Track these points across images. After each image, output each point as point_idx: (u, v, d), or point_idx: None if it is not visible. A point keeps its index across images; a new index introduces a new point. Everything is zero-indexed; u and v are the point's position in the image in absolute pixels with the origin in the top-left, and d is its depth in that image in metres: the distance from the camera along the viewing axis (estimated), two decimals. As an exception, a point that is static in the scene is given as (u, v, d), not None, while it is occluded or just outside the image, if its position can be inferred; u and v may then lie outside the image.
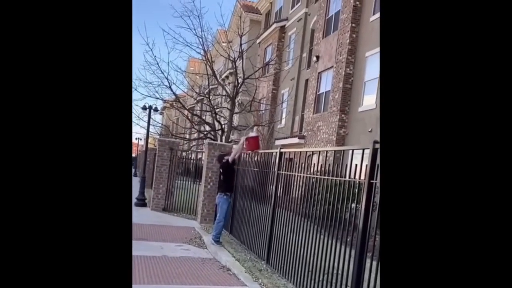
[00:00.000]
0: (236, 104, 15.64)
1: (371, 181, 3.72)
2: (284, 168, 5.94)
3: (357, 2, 14.19)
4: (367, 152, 3.81)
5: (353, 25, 14.22)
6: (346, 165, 4.27)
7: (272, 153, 6.64)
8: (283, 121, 20.66)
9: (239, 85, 14.83)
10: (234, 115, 15.61)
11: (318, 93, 16.42)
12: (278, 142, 18.33)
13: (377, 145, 3.71)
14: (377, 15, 13.08)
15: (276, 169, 6.12)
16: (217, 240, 7.29)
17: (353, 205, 4.09)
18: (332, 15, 15.98)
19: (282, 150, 6.20)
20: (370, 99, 13.12)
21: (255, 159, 7.36)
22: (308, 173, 5.18)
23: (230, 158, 7.71)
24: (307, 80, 18.43)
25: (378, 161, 3.71)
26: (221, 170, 7.85)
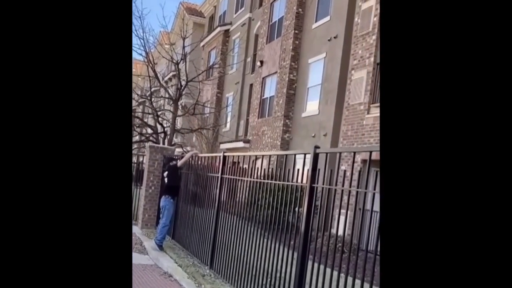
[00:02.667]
0: (179, 106, 15.45)
1: (313, 185, 3.82)
2: (228, 172, 5.94)
3: (300, 9, 14.54)
4: (309, 157, 3.91)
5: (296, 31, 14.55)
6: (289, 170, 4.35)
7: (216, 157, 6.63)
8: (228, 125, 20.68)
9: (182, 87, 14.67)
10: (177, 118, 15.40)
11: (262, 97, 16.60)
12: (223, 146, 18.30)
13: (318, 150, 3.82)
14: (319, 22, 13.48)
15: (220, 173, 6.11)
16: (160, 245, 7.14)
17: (296, 208, 4.19)
18: (276, 21, 16.26)
19: (226, 154, 6.20)
20: (313, 105, 13.47)
21: (199, 163, 7.31)
22: (252, 177, 5.22)
23: (179, 163, 7.69)
24: (251, 85, 18.58)
25: (318, 166, 3.82)
26: (167, 172, 7.76)
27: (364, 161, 9.92)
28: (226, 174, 5.93)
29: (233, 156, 6.31)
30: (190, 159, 7.69)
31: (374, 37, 10.46)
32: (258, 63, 16.97)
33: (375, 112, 10.20)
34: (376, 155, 7.33)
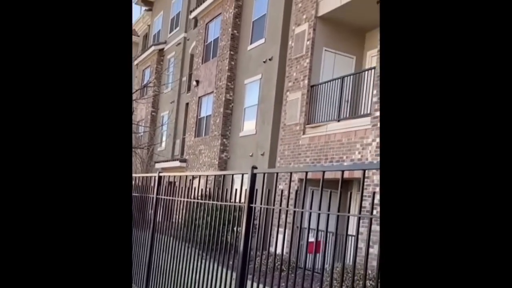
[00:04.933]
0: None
1: (251, 205, 3.86)
2: (163, 192, 5.83)
3: (235, 31, 14.81)
4: (247, 177, 3.96)
5: (232, 52, 14.77)
6: (227, 190, 4.37)
7: (150, 177, 6.48)
8: (163, 144, 20.33)
9: (117, 106, 14.26)
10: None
11: (199, 117, 16.56)
12: (158, 166, 17.92)
13: (255, 170, 3.88)
14: (255, 44, 13.80)
15: (155, 193, 5.98)
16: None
17: (235, 228, 4.20)
18: (211, 41, 16.41)
19: (161, 174, 6.09)
20: (250, 125, 13.66)
21: (133, 183, 7.10)
22: (189, 197, 5.17)
23: None
24: (187, 104, 18.48)
25: (256, 185, 3.88)
26: None
27: (301, 180, 10.19)
28: (162, 195, 5.82)
29: (169, 176, 6.21)
30: None
31: (307, 60, 10.90)
32: (194, 83, 16.96)
33: (310, 132, 10.56)
34: (312, 175, 7.56)
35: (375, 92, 8.73)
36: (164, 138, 20.50)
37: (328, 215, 2.80)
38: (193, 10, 17.35)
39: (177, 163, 17.03)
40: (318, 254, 3.92)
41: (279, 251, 8.09)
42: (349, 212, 2.73)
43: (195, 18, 17.91)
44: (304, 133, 10.71)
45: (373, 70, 9.11)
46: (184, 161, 16.82)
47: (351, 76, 9.97)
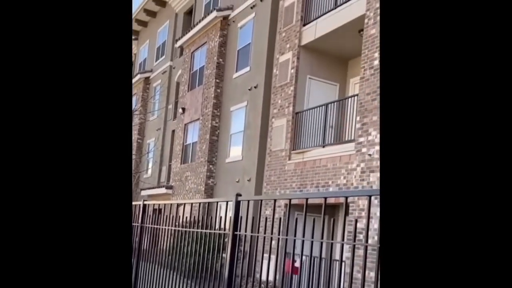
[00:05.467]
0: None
1: (235, 232, 3.89)
2: (148, 221, 5.81)
3: (221, 60, 15.06)
4: (231, 204, 4.00)
5: (218, 80, 14.97)
6: (211, 217, 4.40)
7: (135, 205, 6.46)
8: (149, 171, 20.23)
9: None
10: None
11: (185, 143, 16.59)
12: (144, 193, 17.79)
13: (240, 198, 3.93)
14: (240, 72, 14.02)
15: (139, 222, 5.95)
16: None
17: (220, 255, 4.20)
18: (197, 69, 16.62)
19: (146, 203, 6.08)
20: (236, 151, 13.72)
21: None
22: (174, 225, 5.17)
23: None
24: (173, 131, 18.53)
25: (242, 212, 3.92)
26: None
27: (286, 205, 10.22)
28: (147, 223, 5.80)
29: (154, 204, 6.20)
30: None
31: (292, 87, 11.11)
32: (180, 110, 17.07)
33: (296, 158, 10.66)
34: (298, 200, 7.57)
35: (358, 118, 8.92)
36: (150, 165, 20.42)
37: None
38: (179, 39, 17.61)
39: (163, 190, 16.93)
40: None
41: (264, 277, 8.03)
42: (332, 238, 2.77)
43: (181, 47, 18.16)
44: (289, 159, 10.81)
45: (356, 97, 9.32)
46: (170, 187, 16.74)
47: (335, 103, 10.18)
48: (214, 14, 14.81)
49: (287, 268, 7.80)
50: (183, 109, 16.84)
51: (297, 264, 8.06)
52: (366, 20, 9.02)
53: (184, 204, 5.46)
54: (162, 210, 5.66)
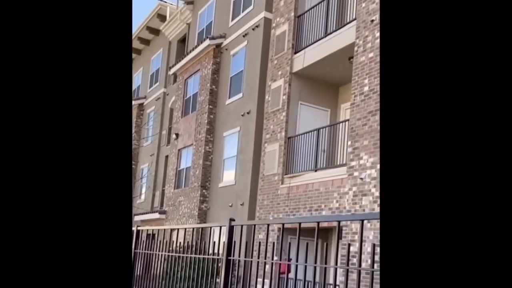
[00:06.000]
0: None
1: (229, 257, 3.94)
2: (141, 246, 5.84)
3: (214, 86, 15.30)
4: (225, 229, 4.06)
5: (211, 107, 15.16)
6: (205, 242, 4.46)
7: (131, 232, 6.48)
8: (143, 197, 20.17)
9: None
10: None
11: (178, 169, 16.64)
12: (137, 218, 17.69)
13: (233, 223, 4.00)
14: (233, 98, 14.24)
15: (132, 248, 5.97)
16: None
17: (213, 280, 4.24)
18: (190, 96, 16.83)
19: (139, 228, 6.12)
20: (229, 175, 13.79)
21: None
22: (167, 251, 5.20)
23: None
24: (167, 156, 18.59)
25: (235, 236, 3.98)
26: None
27: (279, 229, 10.24)
28: (140, 249, 5.82)
29: (147, 229, 6.23)
30: None
31: (284, 113, 11.30)
32: (174, 136, 17.19)
33: (289, 182, 10.75)
34: (291, 225, 7.58)
35: (349, 143, 9.08)
36: (143, 190, 20.38)
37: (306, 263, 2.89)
38: (172, 66, 17.88)
39: (156, 215, 16.88)
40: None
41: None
42: (326, 262, 2.82)
43: (174, 74, 18.42)
44: (282, 183, 10.90)
45: (347, 122, 9.51)
46: (164, 212, 16.69)
47: (327, 128, 10.37)
48: (207, 42, 15.12)
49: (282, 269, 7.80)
50: (177, 134, 16.97)
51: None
52: (355, 48, 9.30)
53: (178, 229, 5.50)
54: (156, 236, 5.69)
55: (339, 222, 2.63)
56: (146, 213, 18.08)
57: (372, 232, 7.93)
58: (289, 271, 7.84)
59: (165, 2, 20.74)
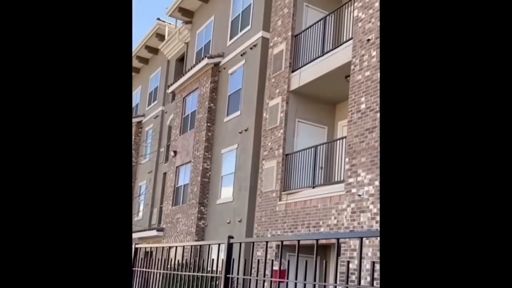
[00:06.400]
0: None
1: (227, 275, 3.94)
2: (139, 264, 5.83)
3: (212, 104, 15.42)
4: (223, 247, 4.08)
5: (209, 124, 15.26)
6: (203, 260, 4.46)
7: (129, 250, 6.47)
8: (141, 214, 20.11)
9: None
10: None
11: (176, 186, 16.64)
12: (135, 235, 17.59)
13: (232, 240, 4.02)
14: (231, 116, 14.35)
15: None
16: None
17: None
18: (189, 114, 16.94)
19: (137, 246, 6.12)
20: (227, 192, 13.81)
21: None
22: (165, 269, 5.21)
23: None
24: (165, 173, 18.60)
25: (234, 253, 4.00)
26: None
27: (278, 246, 10.22)
28: (138, 267, 5.81)
29: (145, 247, 6.23)
30: None
31: (281, 130, 11.40)
32: (172, 153, 17.24)
33: (287, 199, 10.78)
34: (289, 242, 7.55)
35: (347, 159, 9.15)
36: (141, 208, 20.32)
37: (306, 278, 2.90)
38: (171, 85, 18.03)
39: (154, 232, 16.82)
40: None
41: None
42: (325, 279, 2.82)
43: (173, 92, 18.56)
44: (280, 200, 10.92)
45: (344, 139, 9.60)
46: (161, 230, 16.63)
47: (324, 145, 10.45)
48: (205, 61, 15.30)
49: (275, 276, 7.78)
50: (175, 152, 17.02)
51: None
52: (352, 67, 9.45)
53: (176, 246, 5.51)
54: (154, 253, 5.70)
55: (338, 239, 2.63)
56: (144, 230, 18.00)
57: (371, 249, 7.94)
58: (284, 277, 7.81)
59: (164, 21, 21.01)
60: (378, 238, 1.89)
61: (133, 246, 6.08)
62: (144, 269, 5.62)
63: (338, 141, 10.13)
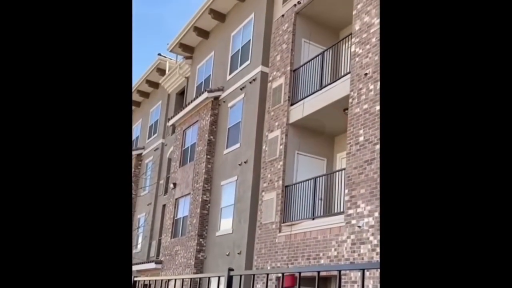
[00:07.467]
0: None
1: (229, 309, 3.92)
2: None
3: (212, 137, 15.62)
4: (223, 279, 4.07)
5: (208, 156, 15.40)
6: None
7: (130, 282, 6.45)
8: (139, 246, 19.93)
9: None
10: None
11: (175, 218, 16.60)
12: (134, 268, 17.38)
13: (232, 272, 4.01)
14: (230, 148, 14.51)
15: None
16: None
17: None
18: (188, 146, 17.10)
19: (136, 279, 6.11)
20: (227, 224, 13.79)
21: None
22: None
23: None
24: (164, 205, 18.57)
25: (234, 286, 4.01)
26: None
27: (279, 279, 10.14)
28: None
29: (144, 280, 6.23)
30: None
31: (281, 162, 11.53)
32: (171, 185, 17.28)
33: (286, 231, 10.78)
34: (289, 274, 7.48)
35: (346, 191, 9.24)
36: (140, 240, 20.16)
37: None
38: (171, 118, 18.27)
39: (152, 265, 16.65)
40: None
41: None
42: None
43: (173, 125, 18.78)
44: (280, 231, 10.92)
45: (343, 171, 9.72)
46: (160, 262, 16.46)
47: (323, 177, 10.55)
48: (205, 95, 15.61)
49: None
50: (174, 184, 17.06)
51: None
52: (350, 100, 9.68)
53: (175, 279, 5.50)
54: (152, 286, 5.68)
55: (339, 271, 2.63)
56: (142, 263, 17.81)
57: (372, 280, 7.92)
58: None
59: (165, 57, 21.50)
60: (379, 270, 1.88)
61: (132, 279, 6.07)
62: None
63: (337, 173, 10.24)
